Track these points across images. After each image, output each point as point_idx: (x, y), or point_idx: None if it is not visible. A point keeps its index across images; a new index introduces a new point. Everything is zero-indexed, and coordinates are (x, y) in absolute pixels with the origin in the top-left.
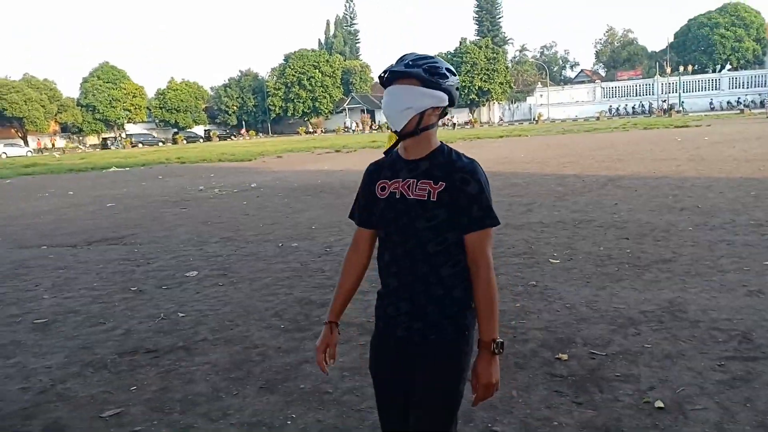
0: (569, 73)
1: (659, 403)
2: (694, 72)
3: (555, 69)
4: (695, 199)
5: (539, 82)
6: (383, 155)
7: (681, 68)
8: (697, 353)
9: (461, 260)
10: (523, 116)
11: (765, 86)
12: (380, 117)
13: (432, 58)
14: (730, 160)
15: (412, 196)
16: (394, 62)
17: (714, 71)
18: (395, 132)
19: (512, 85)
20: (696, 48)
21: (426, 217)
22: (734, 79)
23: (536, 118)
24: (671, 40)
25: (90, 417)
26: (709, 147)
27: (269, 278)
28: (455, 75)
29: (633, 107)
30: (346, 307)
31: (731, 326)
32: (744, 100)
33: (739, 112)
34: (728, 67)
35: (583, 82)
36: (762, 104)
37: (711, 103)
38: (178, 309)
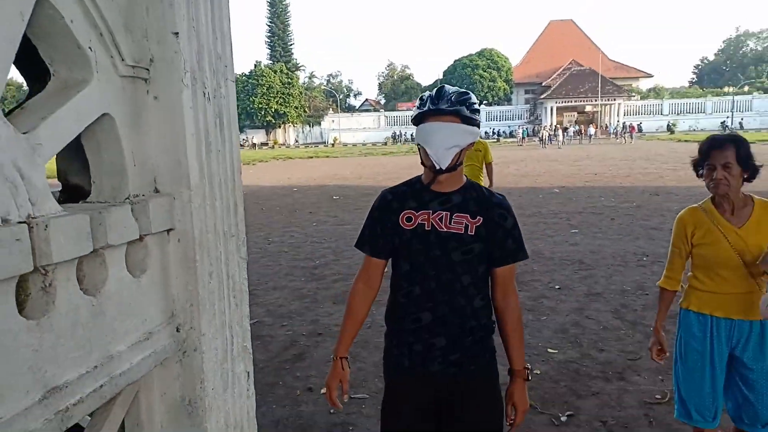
0: (353, 101)
1: (557, 285)
2: None
3: (341, 97)
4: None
5: (330, 108)
6: (404, 186)
7: None
8: (558, 268)
9: (488, 292)
10: (316, 139)
11: (513, 120)
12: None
13: (468, 93)
14: (510, 176)
15: (445, 229)
16: (431, 95)
17: None
18: (437, 169)
19: (306, 109)
20: (460, 85)
21: (462, 250)
22: (489, 113)
23: (333, 142)
24: (441, 77)
25: None
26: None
27: None
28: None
29: (412, 134)
30: (353, 340)
31: (570, 258)
32: (497, 131)
33: (514, 140)
34: (485, 102)
35: (368, 110)
36: (511, 134)
37: None
38: None
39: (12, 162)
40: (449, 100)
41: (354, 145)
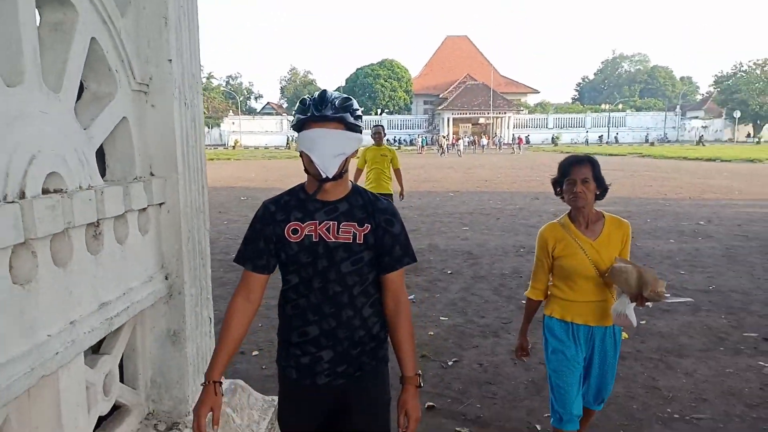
0: (254, 104)
1: (449, 271)
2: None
3: (241, 99)
4: (412, 202)
5: (231, 110)
6: (287, 196)
7: None
8: (451, 258)
9: (377, 298)
10: (215, 141)
11: (413, 128)
12: None
13: (351, 99)
14: (411, 181)
15: (333, 239)
16: (314, 99)
17: (376, 114)
18: (324, 178)
19: (204, 110)
20: (362, 93)
21: (352, 259)
22: (390, 122)
23: (233, 144)
24: (343, 84)
25: None
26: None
27: None
28: None
29: None
30: (228, 362)
31: (461, 250)
32: (399, 139)
33: (416, 148)
34: (386, 111)
35: (270, 113)
36: (411, 143)
37: None
38: None
39: (80, 148)
40: (333, 106)
41: (256, 148)
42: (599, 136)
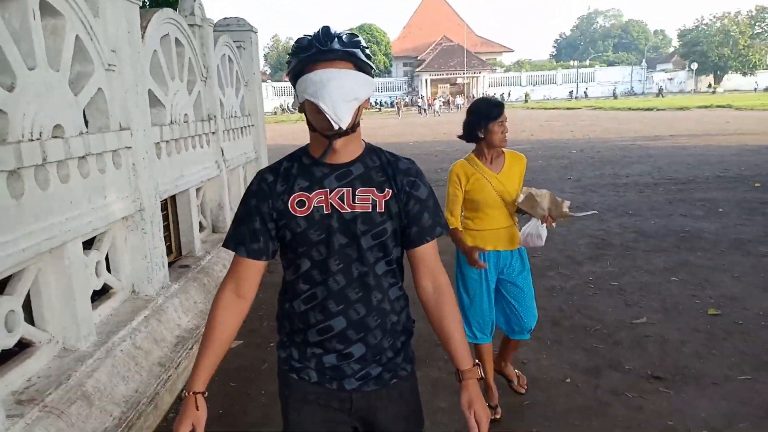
0: None
1: None
2: None
3: None
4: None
5: None
6: (287, 162)
7: None
8: None
9: (401, 279)
10: None
11: (393, 90)
12: None
13: (357, 35)
14: (383, 136)
15: (349, 210)
16: (316, 35)
17: None
18: (336, 130)
19: None
20: None
21: (373, 232)
22: None
23: None
24: None
25: None
26: (384, 129)
27: None
28: None
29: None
30: (214, 371)
31: None
32: (379, 101)
33: (395, 110)
34: None
35: None
36: (392, 104)
37: None
38: None
39: (72, 109)
40: (341, 41)
41: None
42: (569, 92)
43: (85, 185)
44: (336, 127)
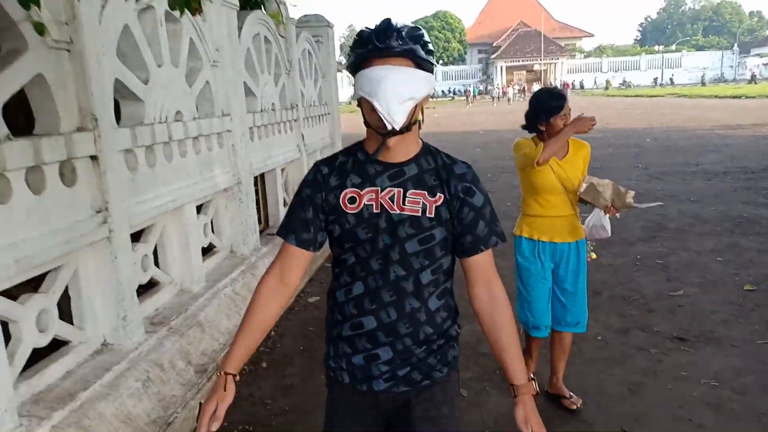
0: None
1: None
2: None
3: None
4: (450, 138)
5: None
6: (343, 156)
7: None
8: None
9: (449, 289)
10: None
11: (467, 78)
12: None
13: (421, 29)
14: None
15: (398, 211)
16: (375, 30)
17: None
18: (390, 130)
19: None
20: None
21: (420, 237)
22: (446, 73)
23: None
24: None
25: None
26: (454, 118)
27: None
28: None
29: None
30: (250, 354)
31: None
32: (453, 89)
33: (451, 99)
34: (441, 62)
35: None
36: (464, 93)
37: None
38: None
39: None
40: (400, 37)
41: None
42: (654, 79)
43: (197, 160)
44: (390, 127)
